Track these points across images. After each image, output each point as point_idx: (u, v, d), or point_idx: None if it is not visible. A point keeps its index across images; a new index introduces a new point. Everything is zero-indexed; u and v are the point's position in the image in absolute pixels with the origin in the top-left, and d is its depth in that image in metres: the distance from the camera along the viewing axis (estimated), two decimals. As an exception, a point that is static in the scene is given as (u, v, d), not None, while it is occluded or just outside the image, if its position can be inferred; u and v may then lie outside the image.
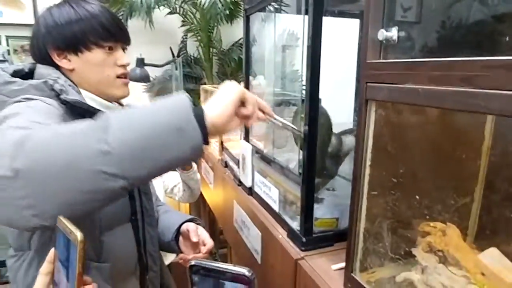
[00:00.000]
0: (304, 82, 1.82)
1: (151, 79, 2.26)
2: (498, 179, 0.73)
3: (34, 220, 0.54)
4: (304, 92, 1.53)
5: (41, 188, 0.53)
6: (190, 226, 1.08)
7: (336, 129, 1.07)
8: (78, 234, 0.47)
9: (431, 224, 0.71)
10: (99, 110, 0.86)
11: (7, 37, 2.66)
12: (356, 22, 1.28)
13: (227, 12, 2.70)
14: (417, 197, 0.73)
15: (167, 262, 1.70)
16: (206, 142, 0.62)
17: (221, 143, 1.80)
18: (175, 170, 1.79)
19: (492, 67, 0.45)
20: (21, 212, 0.53)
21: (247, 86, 1.41)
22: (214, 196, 1.86)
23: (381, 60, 0.67)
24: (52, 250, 0.55)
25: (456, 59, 0.50)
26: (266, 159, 1.22)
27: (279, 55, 1.49)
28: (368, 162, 0.70)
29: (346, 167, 1.08)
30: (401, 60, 0.62)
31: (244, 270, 0.43)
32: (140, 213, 1.01)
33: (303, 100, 1.46)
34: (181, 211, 2.42)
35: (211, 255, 2.32)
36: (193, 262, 0.46)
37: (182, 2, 2.65)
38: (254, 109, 0.76)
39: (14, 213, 0.53)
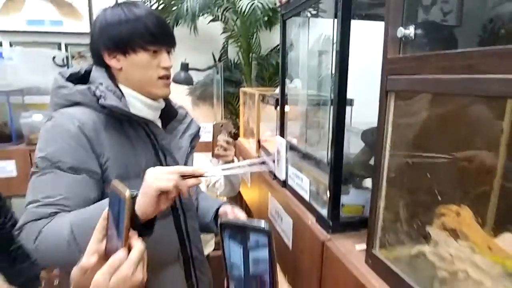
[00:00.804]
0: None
1: (194, 82, 2.41)
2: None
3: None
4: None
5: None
6: (227, 207, 1.18)
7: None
8: (126, 193, 0.59)
9: (447, 206, 0.77)
10: (133, 114, 0.99)
11: (67, 45, 2.94)
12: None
13: (266, 18, 2.82)
14: (433, 181, 0.79)
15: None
16: (145, 225, 0.81)
17: (258, 141, 1.90)
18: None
19: (488, 55, 0.53)
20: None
21: (283, 89, 1.49)
22: (251, 192, 1.96)
23: (400, 55, 0.74)
24: (106, 210, 0.67)
25: (459, 51, 0.58)
26: (299, 153, 1.31)
27: (315, 59, 1.57)
28: (388, 148, 0.77)
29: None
30: (415, 55, 0.70)
31: (261, 223, 0.52)
32: (180, 207, 1.13)
33: (324, 99, 1.54)
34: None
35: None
36: (222, 221, 0.55)
37: (224, 10, 2.81)
38: (177, 190, 0.85)
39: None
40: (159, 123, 1.15)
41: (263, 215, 1.61)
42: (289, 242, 1.22)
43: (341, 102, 0.98)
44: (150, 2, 2.78)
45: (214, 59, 3.00)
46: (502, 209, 0.80)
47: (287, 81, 1.53)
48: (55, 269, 1.94)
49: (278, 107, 1.53)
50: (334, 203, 1.00)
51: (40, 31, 2.87)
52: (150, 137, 1.07)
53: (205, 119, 2.55)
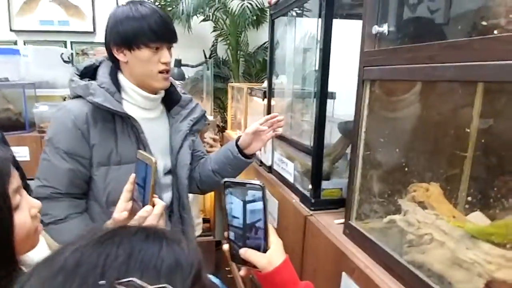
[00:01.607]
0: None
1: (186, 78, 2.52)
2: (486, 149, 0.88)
3: None
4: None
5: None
6: (243, 136, 1.28)
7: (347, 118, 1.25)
8: (153, 158, 0.70)
9: (418, 184, 0.87)
10: (115, 110, 1.10)
11: (72, 43, 3.16)
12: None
13: (255, 18, 2.94)
14: (405, 162, 0.90)
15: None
16: None
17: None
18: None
19: (445, 47, 0.64)
20: None
21: (270, 83, 1.60)
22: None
23: (374, 49, 0.86)
24: (133, 175, 0.80)
25: (422, 44, 0.69)
26: (285, 141, 1.41)
27: (300, 56, 1.68)
28: (363, 129, 0.89)
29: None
30: (386, 48, 0.82)
31: (258, 182, 0.63)
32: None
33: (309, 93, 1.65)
34: (205, 199, 2.63)
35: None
36: (225, 180, 0.65)
37: (215, 10, 2.92)
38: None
39: None
40: (158, 111, 1.27)
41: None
42: (274, 222, 1.33)
43: (323, 94, 1.08)
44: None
45: (205, 56, 3.10)
46: (470, 188, 0.89)
47: (273, 77, 1.64)
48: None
49: (266, 99, 1.63)
50: (316, 182, 1.11)
51: (49, 30, 3.09)
52: (133, 130, 1.17)
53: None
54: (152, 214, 0.75)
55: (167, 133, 1.29)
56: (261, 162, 1.59)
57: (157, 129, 1.26)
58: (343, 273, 0.86)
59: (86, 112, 1.11)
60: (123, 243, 0.34)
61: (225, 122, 2.88)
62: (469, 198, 0.77)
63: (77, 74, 1.18)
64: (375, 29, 0.84)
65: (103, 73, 1.17)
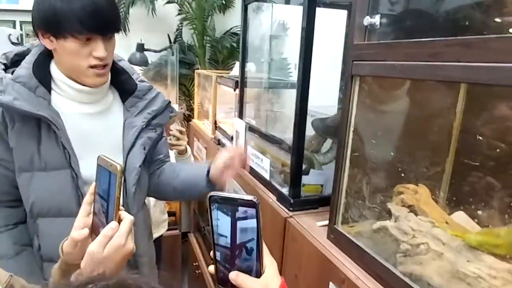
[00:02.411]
0: (291, 70, 1.94)
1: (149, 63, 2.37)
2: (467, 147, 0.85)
3: None
4: (291, 78, 1.66)
5: None
6: (217, 169, 1.12)
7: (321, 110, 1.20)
8: (118, 165, 0.59)
9: (405, 185, 0.83)
10: (23, 111, 0.93)
11: (21, 22, 2.91)
12: (343, 13, 1.39)
13: (223, 1, 2.81)
14: (393, 160, 0.85)
15: (156, 235, 1.78)
16: None
17: (215, 122, 1.91)
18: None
19: (451, 45, 0.58)
20: None
21: (243, 72, 1.51)
22: (206, 174, 1.97)
23: (365, 42, 0.79)
24: (93, 184, 0.67)
25: (425, 40, 0.63)
26: (259, 134, 1.34)
27: (268, 44, 1.60)
28: (352, 128, 0.83)
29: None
30: (381, 42, 0.75)
31: (251, 197, 0.54)
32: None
33: (291, 85, 1.59)
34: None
35: (200, 230, 2.44)
36: (211, 194, 0.56)
37: (180, -8, 2.78)
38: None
39: None
40: (105, 104, 1.08)
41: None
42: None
43: (304, 87, 1.01)
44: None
45: (170, 41, 2.95)
46: (454, 188, 0.87)
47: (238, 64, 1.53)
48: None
49: (237, 90, 1.55)
50: (296, 182, 1.05)
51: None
52: (55, 133, 0.98)
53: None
54: (118, 233, 0.63)
55: (119, 130, 1.09)
56: (233, 156, 1.51)
57: (102, 127, 1.06)
58: (331, 284, 0.80)
59: (2, 111, 0.95)
60: None
61: (191, 110, 2.75)
62: (454, 198, 0.76)
63: (3, 63, 1.00)
64: (367, 20, 0.77)
65: (26, 62, 0.98)
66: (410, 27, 0.80)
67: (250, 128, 1.38)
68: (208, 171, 1.14)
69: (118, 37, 1.02)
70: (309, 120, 1.19)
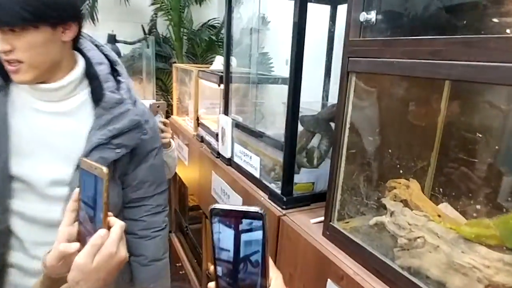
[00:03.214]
0: (273, 64, 1.90)
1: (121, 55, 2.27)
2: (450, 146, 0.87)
3: None
4: (273, 72, 1.63)
5: None
6: None
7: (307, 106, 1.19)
8: (104, 168, 0.55)
9: (397, 180, 0.85)
10: None
11: None
12: (326, 8, 1.38)
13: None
14: (387, 156, 0.86)
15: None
16: None
17: (197, 119, 1.87)
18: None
19: (453, 43, 0.58)
20: None
21: (227, 66, 1.48)
22: (189, 171, 1.94)
23: (362, 38, 0.78)
24: (76, 190, 0.62)
25: (425, 37, 0.63)
26: (247, 131, 1.31)
27: (249, 37, 1.57)
28: (348, 126, 0.82)
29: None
30: (379, 38, 0.75)
31: (257, 208, 0.52)
32: None
33: (275, 80, 1.57)
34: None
35: (182, 230, 2.40)
36: (213, 207, 0.54)
37: (154, -20, 2.69)
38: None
39: None
40: (75, 103, 0.95)
41: (205, 193, 1.61)
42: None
43: (296, 83, 1.00)
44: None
45: (144, 32, 2.86)
46: (440, 182, 0.89)
47: (220, 58, 1.49)
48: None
49: (222, 85, 1.52)
50: (288, 179, 1.04)
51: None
52: None
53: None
54: (109, 240, 0.59)
55: (80, 138, 0.94)
56: (218, 153, 1.49)
57: (59, 128, 0.94)
58: (329, 280, 0.80)
59: None
60: None
61: (169, 106, 2.69)
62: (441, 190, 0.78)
63: None
64: (363, 16, 0.76)
65: None
66: (405, 24, 0.80)
67: (237, 125, 1.36)
68: None
69: (85, 27, 0.92)
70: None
